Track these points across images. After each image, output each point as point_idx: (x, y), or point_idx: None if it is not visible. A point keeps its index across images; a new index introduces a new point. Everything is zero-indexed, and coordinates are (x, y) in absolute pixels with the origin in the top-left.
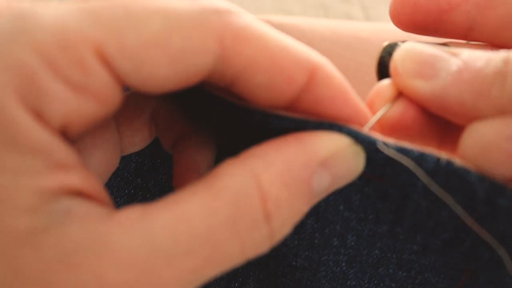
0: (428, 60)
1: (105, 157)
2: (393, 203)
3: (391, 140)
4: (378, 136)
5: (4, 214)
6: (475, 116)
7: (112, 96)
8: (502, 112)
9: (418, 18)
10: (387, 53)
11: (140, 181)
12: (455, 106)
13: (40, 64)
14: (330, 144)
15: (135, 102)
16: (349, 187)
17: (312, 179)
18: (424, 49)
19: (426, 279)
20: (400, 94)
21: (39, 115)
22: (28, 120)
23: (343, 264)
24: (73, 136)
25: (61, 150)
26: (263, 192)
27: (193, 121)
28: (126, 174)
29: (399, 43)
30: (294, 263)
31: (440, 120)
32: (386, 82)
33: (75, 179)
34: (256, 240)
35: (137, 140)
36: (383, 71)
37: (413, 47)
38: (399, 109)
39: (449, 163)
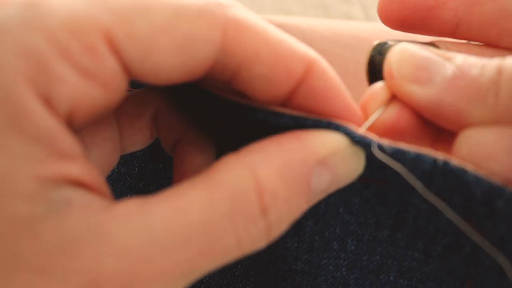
0: (423, 63)
1: (104, 154)
2: (393, 207)
3: (387, 142)
4: (374, 138)
5: (4, 198)
6: (469, 123)
7: (118, 85)
8: (496, 121)
9: (406, 15)
10: (377, 52)
11: (142, 185)
12: (449, 113)
13: (50, 49)
14: (330, 143)
15: (138, 102)
16: (349, 189)
17: (311, 177)
18: (419, 52)
19: None
20: (393, 97)
21: (48, 101)
22: (37, 105)
23: (343, 269)
24: (77, 126)
25: (65, 139)
26: (259, 186)
27: (194, 124)
28: (128, 179)
29: (390, 42)
30: (294, 266)
31: (434, 123)
32: (379, 85)
33: (76, 169)
34: (252, 234)
35: (138, 139)
36: (372, 71)
37: (408, 49)
38: (394, 113)
39: (446, 164)
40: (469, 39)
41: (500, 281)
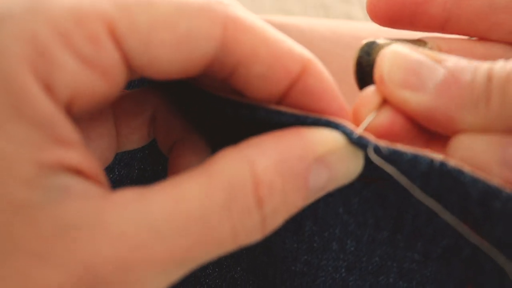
0: (415, 68)
1: (99, 150)
2: (392, 207)
3: (384, 143)
4: (371, 139)
5: (3, 182)
6: (462, 130)
7: (118, 76)
8: (488, 127)
9: (394, 11)
10: (365, 53)
11: None
12: (442, 119)
13: (53, 37)
14: (329, 141)
15: (137, 100)
16: (348, 189)
17: (309, 174)
18: (410, 55)
19: None
20: (385, 101)
21: (48, 87)
22: (37, 90)
23: (343, 270)
24: (76, 115)
25: (65, 125)
26: (256, 177)
27: (192, 125)
28: (128, 182)
29: (378, 41)
30: (293, 267)
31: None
32: (370, 89)
33: (75, 157)
34: (247, 225)
35: (134, 138)
36: (360, 71)
37: (399, 53)
38: (386, 118)
39: (442, 164)
40: (459, 34)
41: (501, 284)
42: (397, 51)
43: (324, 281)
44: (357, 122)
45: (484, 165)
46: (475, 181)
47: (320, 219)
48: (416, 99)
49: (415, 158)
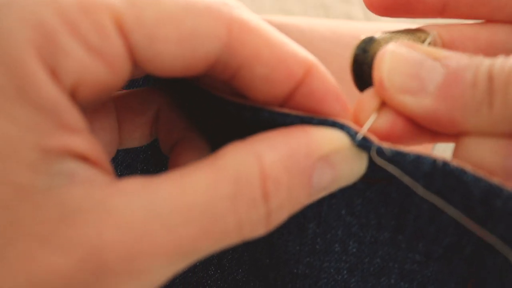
0: (414, 70)
1: (101, 143)
2: (394, 207)
3: (387, 145)
4: (374, 140)
5: (7, 166)
6: (466, 131)
7: (122, 67)
8: (493, 130)
9: None
10: (362, 50)
11: None
12: (445, 122)
13: (60, 23)
14: (334, 141)
15: (141, 99)
16: (351, 190)
17: (313, 172)
18: (409, 56)
19: None
20: (384, 104)
21: (54, 72)
22: (43, 75)
23: (345, 271)
24: (79, 103)
25: (70, 111)
26: (264, 171)
27: (194, 126)
28: None
29: (375, 37)
30: (295, 270)
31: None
32: (369, 92)
33: (81, 143)
34: (253, 218)
35: (137, 135)
36: (357, 69)
37: (397, 54)
38: (387, 120)
39: (445, 164)
40: (459, 18)
41: (504, 277)
42: (396, 52)
43: (326, 283)
44: (357, 124)
45: (487, 169)
46: (477, 180)
47: (323, 221)
48: (417, 103)
49: (418, 159)
